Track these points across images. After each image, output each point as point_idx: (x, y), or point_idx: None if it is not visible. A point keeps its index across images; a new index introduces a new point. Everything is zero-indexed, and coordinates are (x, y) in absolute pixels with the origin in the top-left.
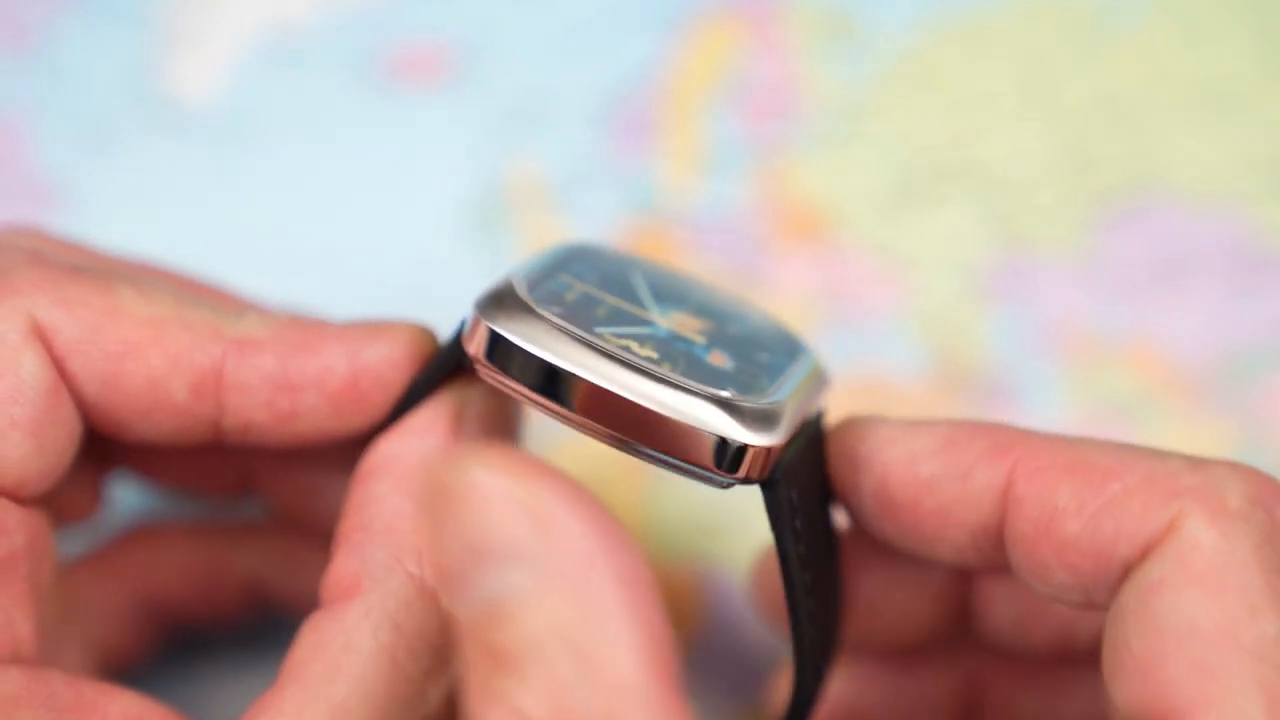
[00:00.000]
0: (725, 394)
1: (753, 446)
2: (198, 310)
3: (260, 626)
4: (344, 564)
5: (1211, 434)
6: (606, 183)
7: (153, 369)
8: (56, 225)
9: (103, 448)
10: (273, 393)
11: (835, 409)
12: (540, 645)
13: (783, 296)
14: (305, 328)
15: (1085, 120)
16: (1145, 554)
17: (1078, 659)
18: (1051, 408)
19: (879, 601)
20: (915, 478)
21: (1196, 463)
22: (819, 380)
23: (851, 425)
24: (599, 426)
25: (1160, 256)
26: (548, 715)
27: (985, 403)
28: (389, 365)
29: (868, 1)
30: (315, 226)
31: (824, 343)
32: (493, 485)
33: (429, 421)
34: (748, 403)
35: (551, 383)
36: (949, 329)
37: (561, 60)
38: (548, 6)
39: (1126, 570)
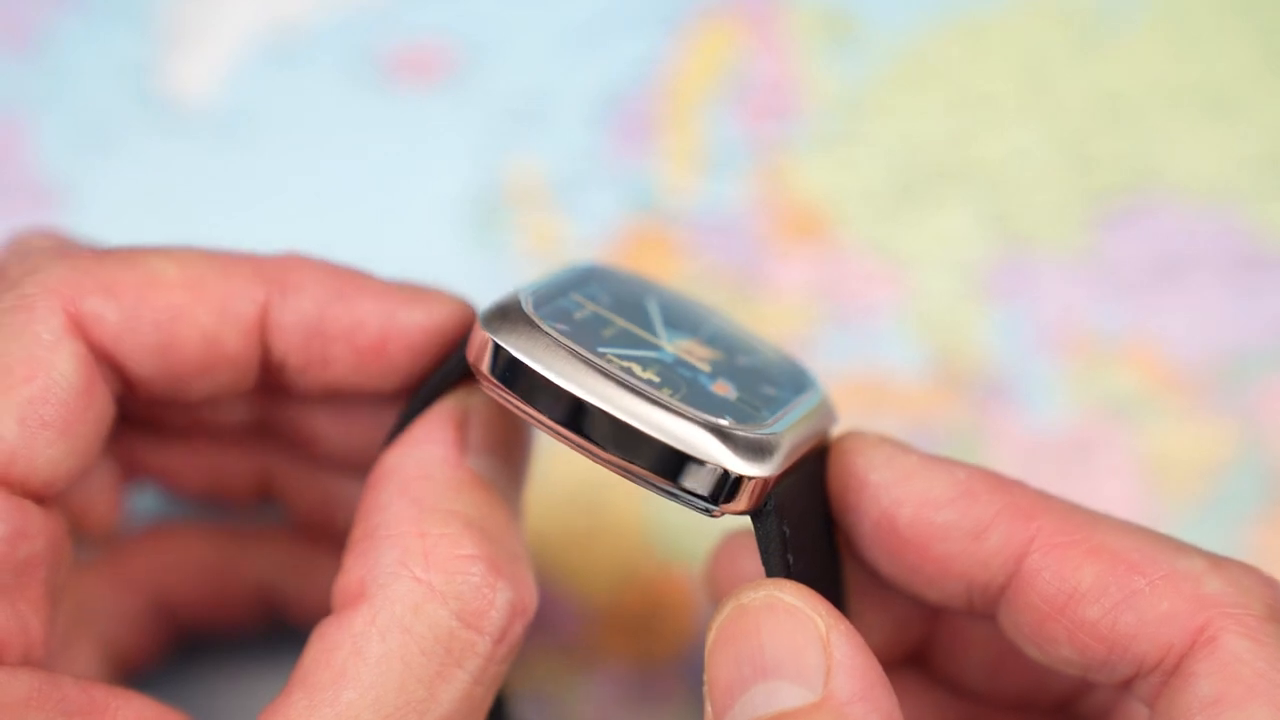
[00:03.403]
0: (721, 422)
1: (744, 476)
2: (233, 260)
3: (271, 632)
4: (352, 571)
5: (1211, 434)
6: (606, 182)
7: (204, 327)
8: (56, 225)
9: (128, 457)
10: (306, 337)
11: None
12: None
13: (782, 296)
14: (348, 278)
15: (1085, 120)
16: (1165, 656)
17: (1043, 709)
18: (1051, 407)
19: None
20: (928, 522)
21: (1216, 563)
22: (825, 415)
23: (860, 445)
24: (589, 444)
25: (1159, 256)
26: None
27: (984, 402)
28: (421, 332)
29: (867, 1)
30: (315, 226)
31: (823, 342)
32: (796, 610)
33: (433, 429)
34: (743, 432)
35: (545, 397)
36: (948, 328)
37: (561, 60)
38: (548, 6)
39: (1140, 665)
